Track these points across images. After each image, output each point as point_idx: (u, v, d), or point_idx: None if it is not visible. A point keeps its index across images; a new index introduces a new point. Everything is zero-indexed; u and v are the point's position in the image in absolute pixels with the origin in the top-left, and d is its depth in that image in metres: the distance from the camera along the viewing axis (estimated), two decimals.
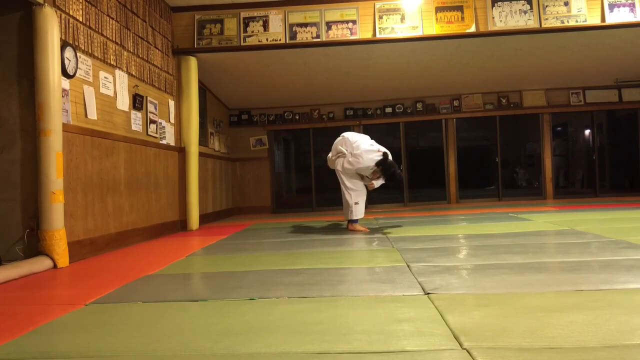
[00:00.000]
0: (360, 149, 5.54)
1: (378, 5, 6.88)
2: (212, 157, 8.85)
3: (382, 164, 5.47)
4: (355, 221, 5.72)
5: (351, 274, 3.26)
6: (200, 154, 7.45)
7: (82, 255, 4.34)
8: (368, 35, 6.89)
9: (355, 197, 5.66)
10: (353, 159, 5.55)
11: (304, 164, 11.97)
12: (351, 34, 6.86)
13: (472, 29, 6.82)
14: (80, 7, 4.54)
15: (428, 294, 2.49)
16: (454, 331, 1.86)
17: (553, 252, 3.96)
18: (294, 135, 12.60)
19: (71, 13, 4.39)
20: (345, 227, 5.93)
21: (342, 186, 5.70)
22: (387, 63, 8.04)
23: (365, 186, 5.75)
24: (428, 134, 12.74)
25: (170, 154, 6.61)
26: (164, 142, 6.41)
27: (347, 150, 5.64)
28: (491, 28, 6.82)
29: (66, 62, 4.20)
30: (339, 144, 5.76)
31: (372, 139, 5.80)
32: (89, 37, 4.68)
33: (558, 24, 6.79)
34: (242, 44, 6.92)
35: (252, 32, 6.92)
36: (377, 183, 5.68)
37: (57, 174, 3.90)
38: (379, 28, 6.85)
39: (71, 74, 4.31)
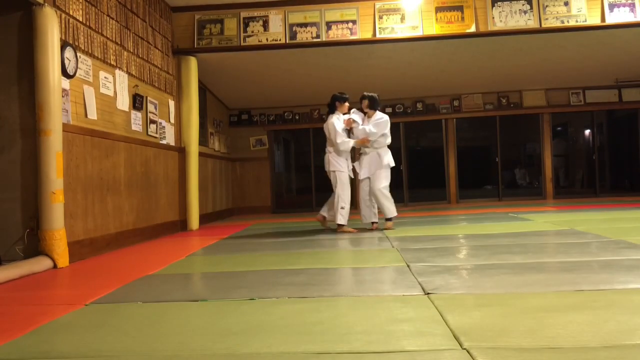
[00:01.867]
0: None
1: (378, 5, 6.88)
2: (212, 157, 8.85)
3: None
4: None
5: (351, 274, 3.26)
6: (200, 154, 7.45)
7: (82, 255, 4.34)
8: (368, 35, 6.88)
9: (342, 202, 5.72)
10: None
11: (304, 164, 11.97)
12: (351, 34, 6.86)
13: (472, 29, 6.82)
14: (80, 7, 4.54)
15: (428, 294, 2.49)
16: (454, 331, 1.86)
17: (553, 252, 3.96)
18: (294, 135, 12.60)
19: (71, 13, 4.39)
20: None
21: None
22: (387, 63, 8.04)
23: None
24: (428, 134, 12.74)
25: (170, 154, 6.61)
26: (164, 142, 6.41)
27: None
28: (491, 28, 6.82)
29: (66, 62, 4.20)
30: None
31: None
32: (89, 37, 4.68)
33: (558, 24, 6.79)
34: (242, 44, 6.92)
35: (252, 32, 6.92)
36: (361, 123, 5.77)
37: (57, 173, 3.90)
38: (379, 28, 6.85)
39: (71, 74, 4.31)
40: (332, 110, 5.86)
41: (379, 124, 5.74)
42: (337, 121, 5.75)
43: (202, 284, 3.26)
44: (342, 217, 5.66)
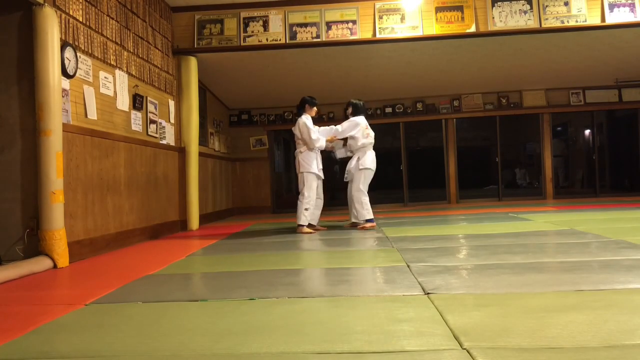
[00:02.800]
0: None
1: (378, 5, 6.88)
2: (212, 157, 8.85)
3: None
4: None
5: (351, 274, 3.26)
6: (200, 154, 7.45)
7: (82, 255, 4.34)
8: (368, 35, 6.88)
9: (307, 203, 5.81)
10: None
11: None
12: (351, 34, 6.86)
13: (472, 29, 6.82)
14: (80, 7, 4.54)
15: (428, 294, 2.49)
16: (454, 331, 1.86)
17: (553, 252, 3.96)
18: (294, 135, 12.58)
19: (71, 13, 4.39)
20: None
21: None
22: (387, 63, 8.04)
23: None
24: (428, 134, 12.74)
25: (170, 154, 6.61)
26: (164, 142, 6.41)
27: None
28: (491, 28, 6.82)
29: (66, 62, 4.20)
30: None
31: None
32: (89, 37, 4.68)
33: (558, 24, 6.79)
34: (242, 44, 6.92)
35: (252, 32, 6.92)
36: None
37: (57, 174, 3.90)
38: (379, 28, 6.85)
39: (71, 74, 4.31)
40: (300, 112, 5.96)
41: (348, 123, 5.92)
42: (307, 120, 5.85)
43: (202, 284, 3.26)
44: (304, 218, 5.74)
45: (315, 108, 5.98)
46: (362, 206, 5.82)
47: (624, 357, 1.56)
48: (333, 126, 6.07)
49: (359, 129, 5.85)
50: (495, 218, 6.70)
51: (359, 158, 5.89)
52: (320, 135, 5.83)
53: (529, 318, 2.00)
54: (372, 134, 5.97)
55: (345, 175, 5.98)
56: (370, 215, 5.84)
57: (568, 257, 3.44)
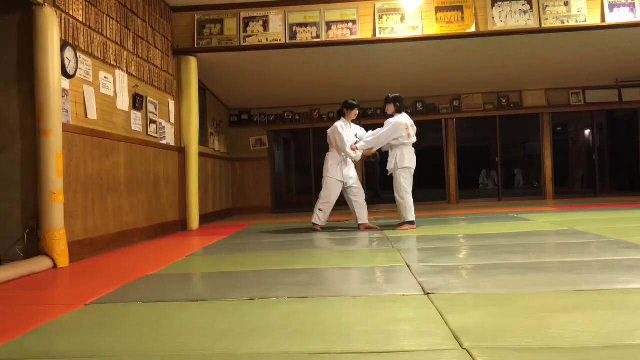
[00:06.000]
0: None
1: (378, 5, 6.87)
2: (212, 157, 8.85)
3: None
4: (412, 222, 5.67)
5: (351, 274, 3.26)
6: (200, 154, 7.45)
7: (82, 255, 4.34)
8: (368, 35, 6.88)
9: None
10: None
11: (304, 164, 11.98)
12: (351, 34, 6.86)
13: (472, 29, 6.81)
14: (80, 7, 4.54)
15: (428, 294, 2.49)
16: (454, 331, 1.86)
17: (553, 252, 3.96)
18: (294, 135, 12.60)
19: (71, 13, 4.38)
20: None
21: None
22: (387, 63, 8.04)
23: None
24: (428, 134, 12.74)
25: (170, 154, 6.61)
26: (164, 142, 6.41)
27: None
28: (491, 28, 6.81)
29: (66, 62, 4.20)
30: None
31: None
32: (89, 37, 4.68)
33: (558, 24, 6.79)
34: (242, 44, 6.92)
35: (252, 32, 6.92)
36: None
37: (57, 174, 3.90)
38: (379, 28, 6.85)
39: (71, 74, 4.31)
40: (339, 116, 5.94)
41: (390, 129, 5.63)
42: (340, 127, 5.76)
43: (202, 284, 3.26)
44: (316, 217, 5.89)
45: (355, 111, 5.84)
46: (401, 206, 5.59)
47: (624, 357, 1.56)
48: (379, 130, 5.72)
49: (401, 130, 5.58)
50: (495, 218, 6.70)
51: (397, 156, 5.62)
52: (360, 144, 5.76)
53: (529, 318, 2.00)
54: (414, 132, 5.66)
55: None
56: (411, 217, 5.58)
57: (568, 257, 3.44)
